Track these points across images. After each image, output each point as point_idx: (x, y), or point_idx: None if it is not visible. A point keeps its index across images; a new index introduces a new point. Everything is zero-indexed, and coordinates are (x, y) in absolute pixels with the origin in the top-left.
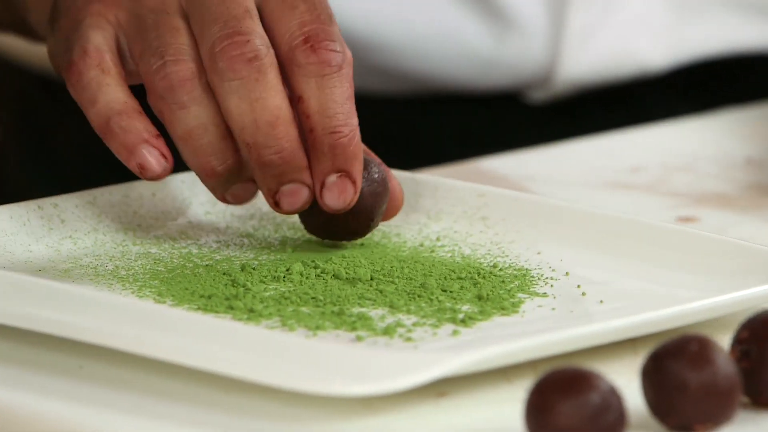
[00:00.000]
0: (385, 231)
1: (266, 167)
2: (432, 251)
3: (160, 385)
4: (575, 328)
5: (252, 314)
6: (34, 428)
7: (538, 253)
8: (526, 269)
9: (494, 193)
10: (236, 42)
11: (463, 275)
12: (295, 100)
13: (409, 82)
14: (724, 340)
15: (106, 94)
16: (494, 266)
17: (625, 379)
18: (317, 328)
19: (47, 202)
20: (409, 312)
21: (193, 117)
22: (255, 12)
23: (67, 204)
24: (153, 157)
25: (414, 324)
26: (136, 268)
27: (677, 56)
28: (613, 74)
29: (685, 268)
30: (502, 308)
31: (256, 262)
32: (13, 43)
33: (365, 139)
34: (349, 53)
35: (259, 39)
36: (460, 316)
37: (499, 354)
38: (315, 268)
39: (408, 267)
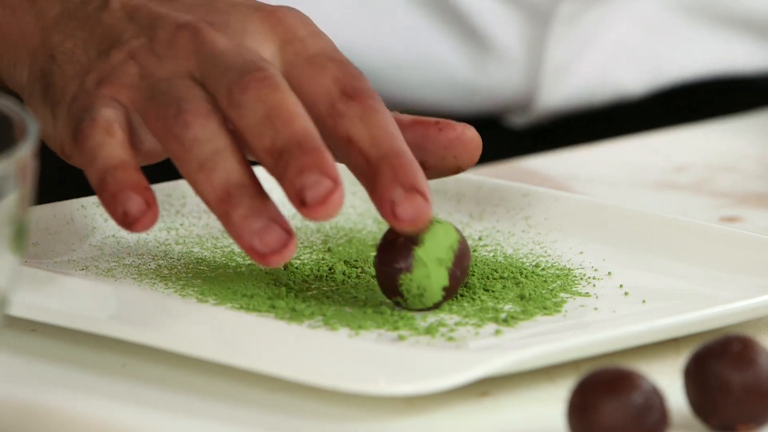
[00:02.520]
0: None
1: (284, 157)
2: (474, 250)
3: (202, 384)
4: (618, 328)
5: (294, 313)
6: (77, 426)
7: (581, 252)
8: (569, 269)
9: (537, 192)
10: (254, 75)
11: (506, 275)
12: (344, 147)
13: (388, 108)
14: (767, 340)
15: (106, 151)
16: (536, 266)
17: (668, 379)
18: (360, 327)
19: (90, 201)
20: (451, 311)
21: (207, 146)
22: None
23: None
24: (135, 203)
25: (456, 323)
26: (179, 267)
27: (656, 81)
28: (593, 101)
29: (728, 268)
30: (545, 308)
31: (299, 262)
32: None
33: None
34: None
35: (278, 73)
36: (503, 315)
37: (542, 354)
38: (357, 267)
39: None
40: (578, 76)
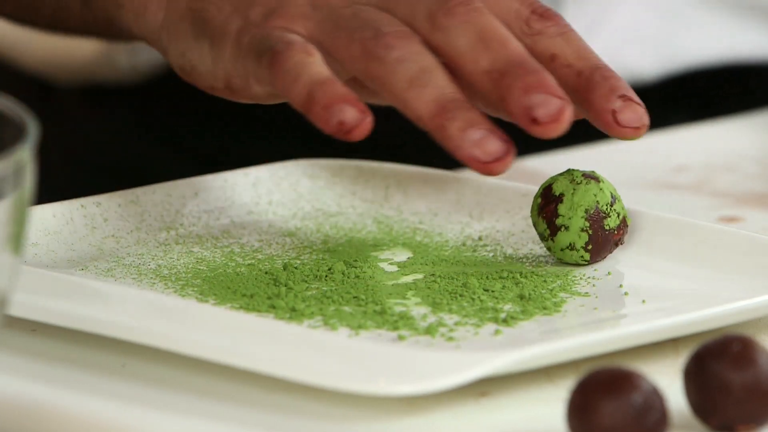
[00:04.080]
0: (427, 230)
1: (506, 77)
2: (474, 250)
3: (202, 384)
4: (617, 328)
5: (294, 313)
6: (77, 426)
7: None
8: (568, 269)
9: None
10: (457, 2)
11: (505, 275)
12: (547, 64)
13: None
14: (766, 340)
15: (309, 69)
16: (536, 266)
17: (668, 380)
18: (359, 327)
19: (90, 201)
20: (450, 311)
21: (414, 64)
22: None
23: (110, 203)
24: (350, 113)
25: (456, 323)
26: (179, 267)
27: (668, 65)
28: None
29: (728, 268)
30: (544, 308)
31: (298, 261)
32: (10, 44)
33: (352, 145)
34: None
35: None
36: (502, 315)
37: (541, 354)
38: (356, 267)
39: (450, 266)
40: None
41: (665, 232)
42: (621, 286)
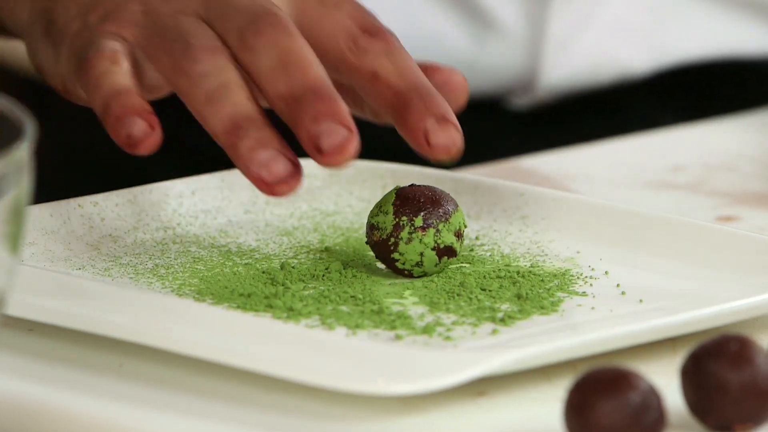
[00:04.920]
0: None
1: (298, 104)
2: (471, 250)
3: (200, 384)
4: (615, 328)
5: (291, 313)
6: (74, 426)
7: (578, 252)
8: (566, 268)
9: (534, 192)
10: (267, 19)
11: (503, 274)
12: (368, 82)
13: None
14: (764, 340)
15: (110, 79)
16: (533, 265)
17: (665, 379)
18: (356, 326)
19: (87, 201)
20: (448, 311)
21: (215, 79)
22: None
23: (107, 202)
24: (139, 126)
25: (453, 323)
26: (176, 267)
27: (659, 61)
28: (595, 79)
29: (726, 268)
30: (542, 307)
31: (296, 261)
32: (5, 47)
33: None
34: None
35: (290, 19)
36: (500, 315)
37: (539, 353)
38: (353, 266)
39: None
40: (580, 53)
41: (663, 232)
42: (618, 285)
